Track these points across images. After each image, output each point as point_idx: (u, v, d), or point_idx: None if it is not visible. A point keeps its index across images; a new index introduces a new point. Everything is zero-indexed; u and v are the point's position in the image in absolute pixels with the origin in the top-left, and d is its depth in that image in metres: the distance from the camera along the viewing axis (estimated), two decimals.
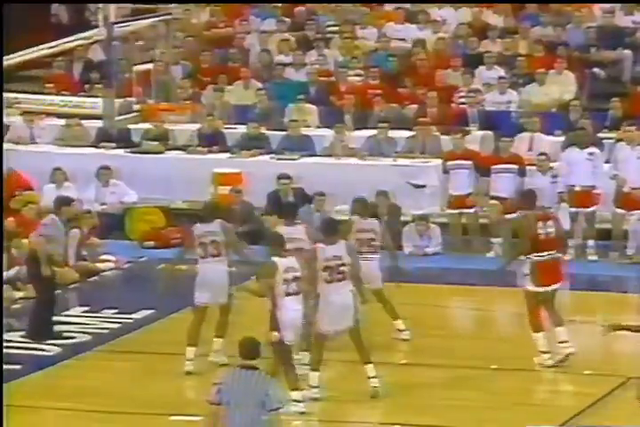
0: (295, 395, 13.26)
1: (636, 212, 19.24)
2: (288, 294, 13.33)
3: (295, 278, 13.36)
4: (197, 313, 14.71)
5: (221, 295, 14.65)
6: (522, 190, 16.96)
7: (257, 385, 9.95)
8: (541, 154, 19.90)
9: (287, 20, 24.93)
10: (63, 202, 16.57)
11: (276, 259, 13.37)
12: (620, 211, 19.30)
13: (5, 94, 22.13)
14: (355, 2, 25.47)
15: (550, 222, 14.94)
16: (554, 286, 14.80)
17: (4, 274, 17.45)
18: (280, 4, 25.33)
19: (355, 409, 13.81)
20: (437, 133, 21.28)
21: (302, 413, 13.22)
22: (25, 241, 17.30)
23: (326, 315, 13.57)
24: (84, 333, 16.17)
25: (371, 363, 13.73)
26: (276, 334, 13.18)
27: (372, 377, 13.72)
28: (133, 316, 16.84)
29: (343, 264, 13.60)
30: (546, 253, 14.73)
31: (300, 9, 25.14)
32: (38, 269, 15.92)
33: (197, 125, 22.44)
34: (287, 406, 11.89)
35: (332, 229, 13.97)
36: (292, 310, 13.38)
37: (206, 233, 14.70)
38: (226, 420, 9.97)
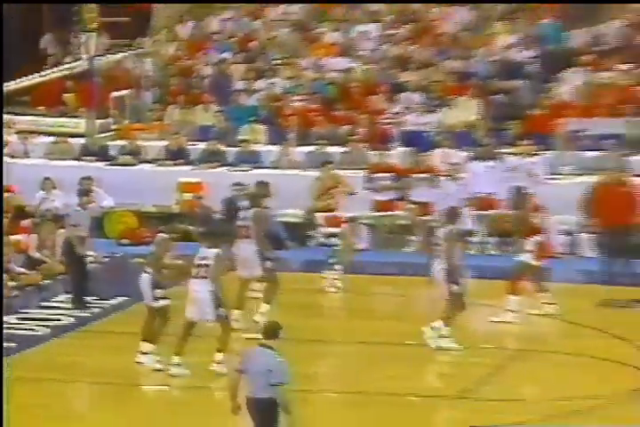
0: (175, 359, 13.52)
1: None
2: (194, 277, 13.55)
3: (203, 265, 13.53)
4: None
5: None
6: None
7: (265, 361, 10.12)
8: (454, 164, 20.17)
9: (241, 53, 25.01)
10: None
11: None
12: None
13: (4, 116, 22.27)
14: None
15: None
16: None
17: None
18: (236, 39, 25.48)
19: None
20: (366, 149, 21.48)
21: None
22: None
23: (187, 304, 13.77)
24: (69, 316, 16.29)
25: (221, 352, 13.60)
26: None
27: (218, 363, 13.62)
28: (110, 301, 16.99)
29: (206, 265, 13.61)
30: None
31: (253, 43, 25.21)
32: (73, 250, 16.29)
33: (165, 142, 22.57)
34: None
35: (210, 235, 14.16)
36: (192, 291, 13.62)
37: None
38: (245, 385, 10.20)
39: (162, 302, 13.94)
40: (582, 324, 15.61)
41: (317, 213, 18.91)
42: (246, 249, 15.61)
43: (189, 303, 13.67)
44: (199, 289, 13.59)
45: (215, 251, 13.71)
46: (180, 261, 14.20)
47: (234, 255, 15.45)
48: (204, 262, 13.65)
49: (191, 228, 19.14)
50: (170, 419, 12.63)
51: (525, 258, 15.80)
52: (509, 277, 16.02)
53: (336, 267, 17.69)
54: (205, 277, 13.57)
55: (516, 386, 13.37)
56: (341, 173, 20.18)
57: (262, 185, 16.96)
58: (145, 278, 14.05)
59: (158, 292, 13.92)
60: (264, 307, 15.50)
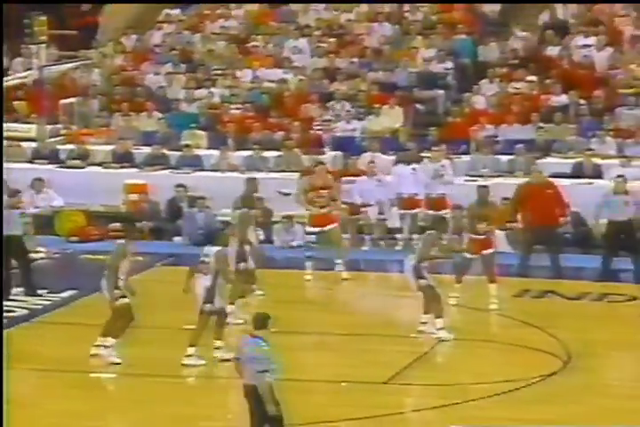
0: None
1: None
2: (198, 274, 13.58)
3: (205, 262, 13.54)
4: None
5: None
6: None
7: (251, 350, 10.02)
8: (370, 162, 20.10)
9: (183, 64, 24.79)
10: None
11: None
12: None
13: None
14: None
15: None
16: None
17: None
18: (177, 51, 25.30)
19: None
20: (299, 153, 21.40)
21: None
22: None
23: None
24: (22, 308, 16.03)
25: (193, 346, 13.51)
26: None
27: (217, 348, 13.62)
28: (61, 295, 16.73)
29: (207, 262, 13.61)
30: None
31: (197, 56, 24.97)
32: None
33: (111, 147, 22.34)
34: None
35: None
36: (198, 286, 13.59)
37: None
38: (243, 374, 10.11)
39: (121, 301, 13.66)
40: (501, 313, 15.62)
41: (305, 212, 18.39)
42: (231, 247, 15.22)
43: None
44: (200, 285, 13.52)
45: (216, 249, 13.64)
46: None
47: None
48: (206, 260, 13.60)
49: (140, 224, 18.90)
50: (120, 405, 12.52)
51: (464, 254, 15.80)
52: (454, 272, 16.01)
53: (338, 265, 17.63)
54: (206, 274, 13.49)
55: (440, 372, 13.38)
56: (277, 175, 20.00)
57: (251, 181, 17.19)
58: (104, 281, 13.78)
59: (117, 292, 13.64)
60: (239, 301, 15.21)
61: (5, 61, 25.29)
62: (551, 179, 18.50)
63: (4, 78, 23.83)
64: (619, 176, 17.95)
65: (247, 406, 10.07)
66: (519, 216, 17.82)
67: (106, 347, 13.71)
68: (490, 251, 15.98)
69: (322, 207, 17.73)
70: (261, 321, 10.11)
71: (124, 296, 13.65)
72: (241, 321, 14.29)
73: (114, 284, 13.65)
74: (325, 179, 18.15)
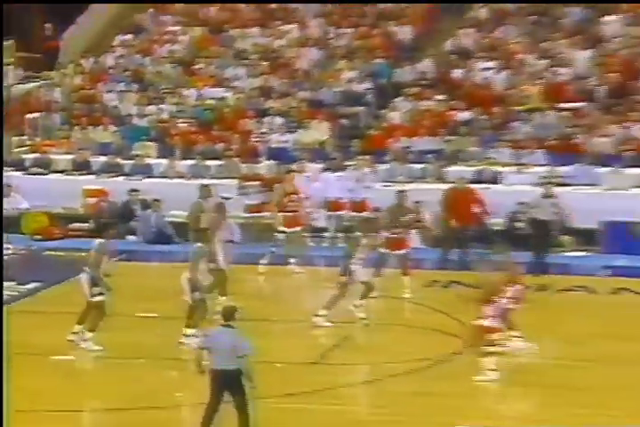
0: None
1: None
2: None
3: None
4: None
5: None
6: None
7: (230, 338, 9.95)
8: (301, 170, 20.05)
9: (134, 84, 24.65)
10: None
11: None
12: None
13: None
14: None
15: None
16: None
17: None
18: (129, 72, 25.03)
19: None
20: (238, 162, 21.32)
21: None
22: None
23: None
24: None
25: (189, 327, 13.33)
26: None
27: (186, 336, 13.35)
28: (27, 286, 16.53)
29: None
30: None
31: (147, 76, 24.82)
32: None
33: (71, 156, 22.18)
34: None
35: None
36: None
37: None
38: (209, 360, 10.00)
39: (98, 298, 13.41)
40: (413, 301, 15.71)
41: (278, 214, 18.20)
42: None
43: None
44: (184, 277, 13.41)
45: (196, 246, 13.53)
46: None
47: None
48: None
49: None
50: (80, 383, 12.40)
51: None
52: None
53: (292, 260, 17.61)
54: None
55: (362, 353, 13.36)
56: (218, 181, 20.01)
57: (204, 187, 17.07)
58: (84, 277, 13.46)
59: (96, 289, 13.35)
60: (221, 299, 14.83)
61: None
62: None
63: None
64: (547, 183, 17.97)
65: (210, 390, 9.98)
66: (446, 217, 17.84)
67: (85, 340, 13.40)
68: (404, 250, 16.01)
69: (293, 211, 17.63)
70: (230, 313, 10.14)
71: (102, 293, 13.37)
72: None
73: (93, 281, 13.34)
74: (295, 185, 18.09)
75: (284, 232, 17.76)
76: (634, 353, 13.12)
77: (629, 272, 17.13)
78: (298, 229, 17.82)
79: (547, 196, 17.61)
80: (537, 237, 17.44)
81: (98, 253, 13.46)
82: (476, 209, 17.74)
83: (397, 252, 15.95)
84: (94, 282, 13.35)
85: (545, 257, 17.30)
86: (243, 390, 9.88)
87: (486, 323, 11.98)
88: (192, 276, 13.36)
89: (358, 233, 14.88)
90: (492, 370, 11.96)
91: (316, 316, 14.36)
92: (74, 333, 13.56)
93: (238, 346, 9.89)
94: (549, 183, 18.12)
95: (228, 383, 9.87)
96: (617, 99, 21.71)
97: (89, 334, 13.44)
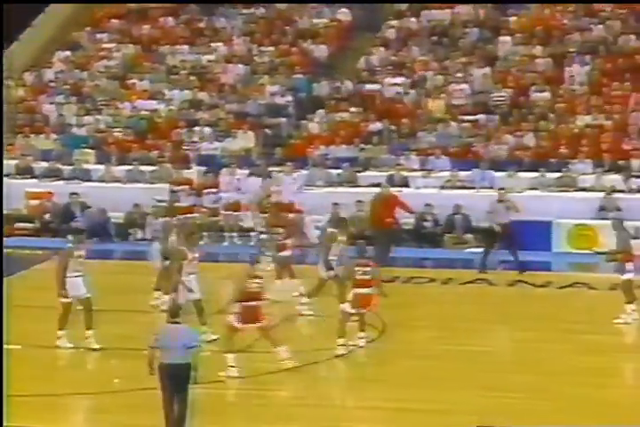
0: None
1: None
2: None
3: None
4: None
5: None
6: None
7: (179, 333, 9.90)
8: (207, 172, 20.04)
9: (73, 96, 24.32)
10: None
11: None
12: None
13: None
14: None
15: None
16: None
17: None
18: (68, 85, 24.71)
19: None
20: (170, 168, 21.13)
21: None
22: None
23: None
24: None
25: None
26: None
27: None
28: None
29: None
30: None
31: (85, 89, 24.53)
32: None
33: (16, 161, 21.79)
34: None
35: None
36: None
37: None
38: (161, 356, 9.85)
39: (65, 300, 12.82)
40: (330, 293, 15.62)
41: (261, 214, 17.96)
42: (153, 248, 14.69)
43: None
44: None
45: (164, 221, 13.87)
46: None
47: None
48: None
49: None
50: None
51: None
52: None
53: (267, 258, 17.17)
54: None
55: (285, 341, 13.21)
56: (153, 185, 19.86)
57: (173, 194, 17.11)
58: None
59: (63, 292, 12.80)
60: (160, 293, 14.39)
61: None
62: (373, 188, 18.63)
63: None
64: (500, 188, 17.79)
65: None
66: (373, 219, 17.76)
67: (87, 338, 12.83)
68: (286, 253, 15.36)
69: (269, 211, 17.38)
70: (176, 311, 10.21)
71: (67, 296, 12.78)
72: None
73: (62, 282, 12.78)
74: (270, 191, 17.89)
75: (263, 232, 17.61)
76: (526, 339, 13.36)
77: (514, 266, 17.12)
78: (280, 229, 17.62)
79: (500, 200, 17.35)
80: (505, 239, 17.05)
81: (65, 256, 12.91)
82: (401, 212, 17.72)
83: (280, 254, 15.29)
84: (63, 283, 12.81)
85: (518, 255, 16.90)
86: (187, 386, 9.82)
87: (234, 322, 11.71)
88: (162, 246, 13.70)
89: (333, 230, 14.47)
90: (232, 367, 11.66)
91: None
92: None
93: (188, 339, 9.88)
94: (502, 189, 17.81)
95: (178, 377, 9.79)
96: (510, 111, 22.14)
97: (60, 333, 12.88)
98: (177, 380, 9.80)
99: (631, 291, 13.99)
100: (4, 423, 9.99)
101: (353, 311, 12.68)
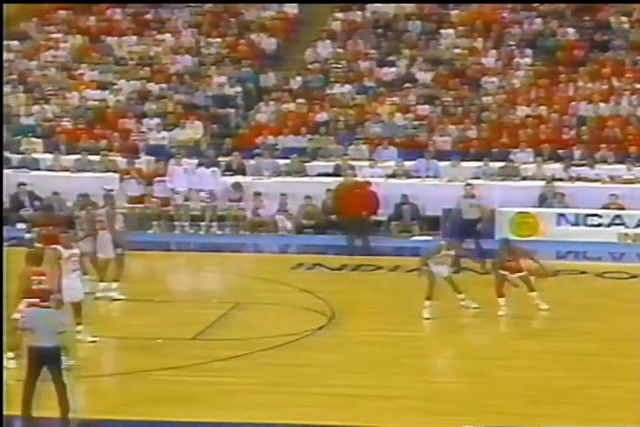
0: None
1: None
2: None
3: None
4: None
5: None
6: None
7: (48, 317, 9.72)
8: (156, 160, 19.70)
9: (21, 86, 23.74)
10: None
11: None
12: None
13: None
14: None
15: None
16: None
17: None
18: (16, 75, 24.12)
19: None
20: (120, 158, 20.77)
21: None
22: None
23: None
24: None
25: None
26: None
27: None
28: None
29: None
30: None
31: (31, 79, 23.96)
32: None
33: None
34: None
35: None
36: None
37: None
38: (30, 339, 9.66)
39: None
40: (280, 281, 15.57)
41: None
42: (103, 237, 14.29)
43: None
44: None
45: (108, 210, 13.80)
46: None
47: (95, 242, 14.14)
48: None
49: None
50: None
51: None
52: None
53: None
54: None
55: (237, 329, 13.14)
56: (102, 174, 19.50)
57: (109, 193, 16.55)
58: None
59: None
60: (115, 284, 14.15)
61: None
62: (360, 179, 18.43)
63: None
64: (467, 184, 17.32)
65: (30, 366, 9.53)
66: (337, 208, 17.59)
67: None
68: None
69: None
70: (47, 295, 10.24)
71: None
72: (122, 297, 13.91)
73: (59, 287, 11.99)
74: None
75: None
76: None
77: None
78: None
79: (467, 196, 16.96)
80: (471, 233, 16.61)
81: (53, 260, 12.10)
82: (366, 201, 17.47)
83: None
84: None
85: (482, 246, 16.44)
86: (59, 365, 9.60)
87: (17, 317, 10.52)
88: (114, 236, 13.78)
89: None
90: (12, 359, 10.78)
91: None
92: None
93: (57, 323, 9.65)
94: (469, 185, 17.31)
95: (47, 359, 9.56)
96: (455, 104, 22.11)
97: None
98: (44, 363, 9.56)
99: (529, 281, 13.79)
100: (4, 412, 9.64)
101: None
